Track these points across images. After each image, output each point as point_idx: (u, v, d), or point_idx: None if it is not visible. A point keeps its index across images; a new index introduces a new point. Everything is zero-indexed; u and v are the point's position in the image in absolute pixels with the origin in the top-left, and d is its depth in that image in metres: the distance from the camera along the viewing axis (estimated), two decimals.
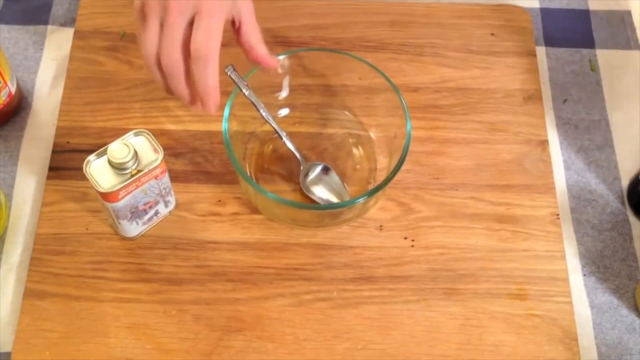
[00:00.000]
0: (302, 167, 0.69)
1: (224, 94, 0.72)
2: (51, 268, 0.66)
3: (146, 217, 0.66)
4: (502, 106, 0.76)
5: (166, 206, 0.67)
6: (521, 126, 0.75)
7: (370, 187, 0.70)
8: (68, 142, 0.72)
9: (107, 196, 0.60)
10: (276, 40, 0.79)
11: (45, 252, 0.66)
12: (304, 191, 0.69)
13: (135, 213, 0.64)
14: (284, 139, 0.69)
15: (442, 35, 0.81)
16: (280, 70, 0.70)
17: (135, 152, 0.60)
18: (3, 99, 0.71)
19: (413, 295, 0.66)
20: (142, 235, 0.67)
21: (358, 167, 0.72)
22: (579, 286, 0.68)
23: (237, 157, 0.64)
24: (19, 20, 0.81)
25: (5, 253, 0.68)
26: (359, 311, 0.65)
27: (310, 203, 0.69)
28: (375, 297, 0.66)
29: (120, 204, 0.61)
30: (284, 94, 0.73)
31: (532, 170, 0.73)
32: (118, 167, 0.59)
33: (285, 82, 0.72)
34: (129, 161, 0.59)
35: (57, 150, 0.72)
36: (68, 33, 0.80)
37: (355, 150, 0.73)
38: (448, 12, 0.83)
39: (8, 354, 0.62)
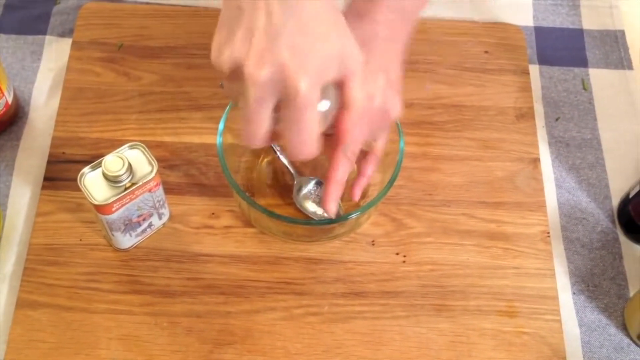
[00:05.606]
0: (295, 181, 0.70)
1: (220, 106, 0.73)
2: (44, 278, 0.66)
3: (140, 229, 0.66)
4: (495, 124, 0.77)
5: (160, 218, 0.68)
6: (513, 144, 0.76)
7: (363, 202, 0.71)
8: (64, 153, 0.72)
9: (101, 208, 0.60)
10: None
11: (39, 262, 0.67)
12: (297, 205, 0.70)
13: (129, 225, 0.64)
14: (278, 152, 0.69)
15: (437, 52, 0.81)
16: None
17: (130, 165, 0.60)
18: (0, 108, 0.72)
19: (403, 311, 0.66)
20: (135, 247, 0.68)
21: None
22: (569, 304, 0.69)
23: (231, 170, 0.64)
24: (17, 30, 0.82)
25: None
26: (349, 326, 0.65)
27: (304, 217, 0.70)
28: (366, 312, 0.66)
29: (114, 216, 0.61)
30: None
31: (523, 188, 0.73)
32: (112, 180, 0.59)
33: None
34: (123, 174, 0.59)
35: (53, 161, 0.72)
36: (66, 43, 0.80)
37: None
38: (443, 30, 0.83)
39: None
